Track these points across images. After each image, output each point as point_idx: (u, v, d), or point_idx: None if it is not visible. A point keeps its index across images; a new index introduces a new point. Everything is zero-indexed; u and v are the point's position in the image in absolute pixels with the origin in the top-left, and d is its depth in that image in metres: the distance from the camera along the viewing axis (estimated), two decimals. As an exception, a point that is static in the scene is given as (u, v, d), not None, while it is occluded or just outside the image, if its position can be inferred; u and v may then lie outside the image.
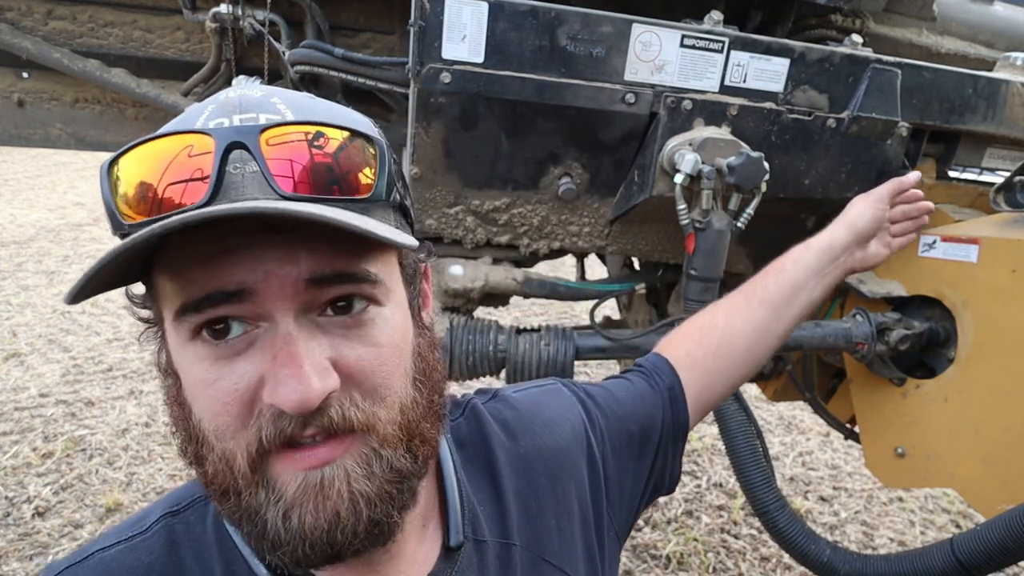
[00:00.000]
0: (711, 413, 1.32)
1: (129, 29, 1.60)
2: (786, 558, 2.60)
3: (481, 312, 1.52)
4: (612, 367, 4.22)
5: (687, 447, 3.57)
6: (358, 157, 0.47)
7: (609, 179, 1.32)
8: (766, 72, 1.24)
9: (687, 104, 1.21)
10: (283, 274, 0.43)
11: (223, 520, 0.54)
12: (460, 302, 1.41)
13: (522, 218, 1.35)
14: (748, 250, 1.52)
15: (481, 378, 1.37)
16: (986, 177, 1.53)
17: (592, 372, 4.26)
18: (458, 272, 1.36)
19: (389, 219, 0.51)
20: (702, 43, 1.20)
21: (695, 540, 2.73)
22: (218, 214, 0.39)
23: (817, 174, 1.34)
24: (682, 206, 1.21)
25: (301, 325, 0.44)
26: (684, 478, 3.19)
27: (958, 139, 1.47)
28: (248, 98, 0.47)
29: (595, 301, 1.48)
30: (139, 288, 0.50)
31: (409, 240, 0.47)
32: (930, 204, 1.12)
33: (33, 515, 2.59)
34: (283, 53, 1.45)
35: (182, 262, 0.43)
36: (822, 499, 3.12)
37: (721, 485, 3.14)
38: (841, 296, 1.68)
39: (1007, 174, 1.31)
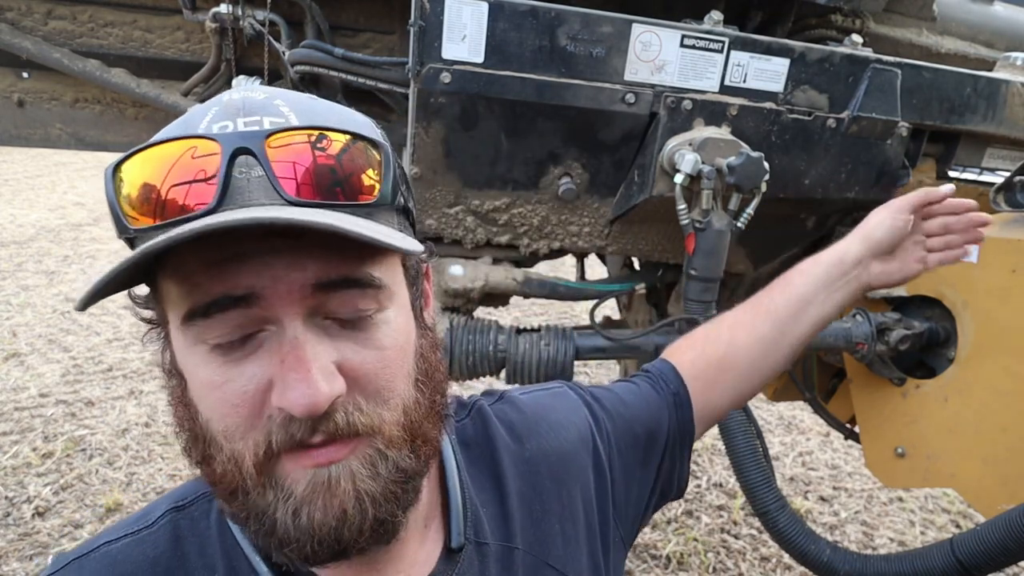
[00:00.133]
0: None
1: (129, 29, 1.60)
2: (786, 558, 2.60)
3: (481, 312, 1.52)
4: (612, 367, 4.22)
5: (687, 447, 3.56)
6: (363, 161, 0.47)
7: (609, 179, 1.32)
8: (766, 72, 1.24)
9: (687, 104, 1.21)
10: (291, 279, 0.44)
11: (226, 517, 0.54)
12: (460, 302, 1.41)
13: (522, 218, 1.35)
14: (748, 250, 1.52)
15: (481, 378, 1.37)
16: (986, 177, 1.53)
17: (592, 372, 4.26)
18: (458, 272, 1.36)
19: (393, 222, 0.51)
20: (702, 43, 1.20)
21: (695, 540, 2.73)
22: (233, 224, 0.39)
23: (817, 174, 1.34)
24: (682, 206, 1.21)
25: (308, 329, 0.44)
26: (684, 478, 3.19)
27: (958, 139, 1.47)
28: (251, 100, 0.47)
29: (595, 301, 1.48)
30: (142, 289, 0.50)
31: (415, 246, 0.48)
32: (985, 216, 0.96)
33: (33, 515, 2.59)
34: (283, 53, 1.45)
35: (188, 267, 0.43)
36: (822, 499, 3.12)
37: (721, 485, 3.14)
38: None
39: (1007, 174, 1.31)
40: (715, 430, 1.37)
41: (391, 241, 0.44)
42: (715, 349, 0.84)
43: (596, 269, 2.24)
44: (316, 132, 0.46)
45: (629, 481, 0.74)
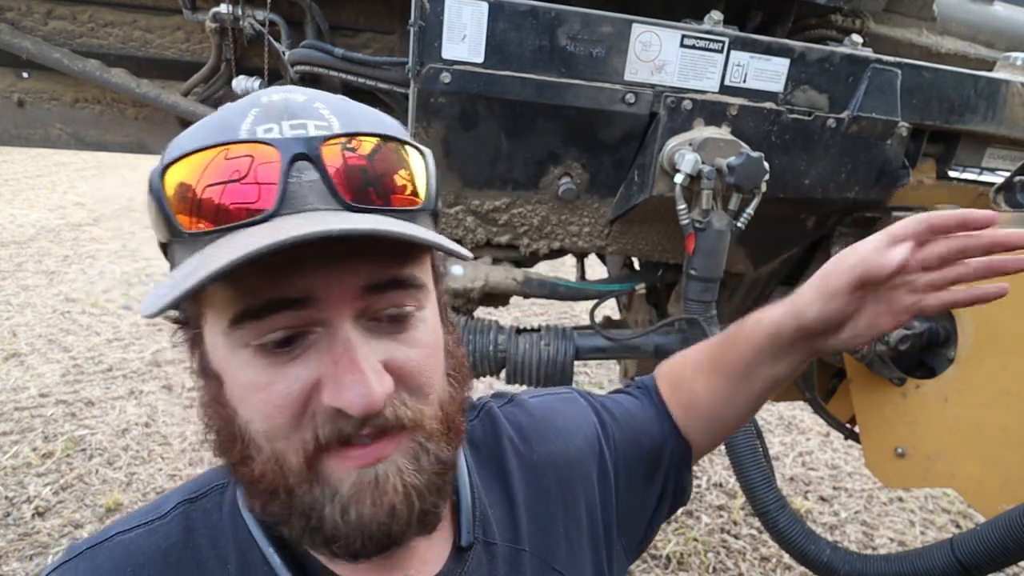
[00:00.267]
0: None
1: (129, 29, 1.60)
2: (786, 558, 2.60)
3: (481, 312, 1.52)
4: (612, 367, 4.22)
5: (687, 447, 3.55)
6: (411, 167, 0.49)
7: (609, 179, 1.32)
8: (766, 72, 1.24)
9: (687, 104, 1.21)
10: (345, 282, 0.44)
11: (240, 509, 0.55)
12: (460, 302, 1.41)
13: (522, 218, 1.35)
14: (748, 250, 1.52)
15: (481, 378, 1.37)
16: (986, 177, 1.53)
17: (592, 372, 4.26)
18: (458, 272, 1.36)
19: (428, 224, 0.52)
20: (702, 43, 1.20)
21: (695, 540, 2.73)
22: (312, 236, 0.39)
23: (817, 174, 1.33)
24: (682, 206, 1.21)
25: (356, 329, 0.45)
26: (684, 478, 3.19)
27: (958, 139, 1.47)
28: (294, 103, 0.47)
29: (595, 301, 1.48)
30: None
31: (464, 251, 0.49)
32: (1018, 236, 0.67)
33: (33, 515, 2.59)
34: (283, 53, 1.45)
35: (242, 270, 0.43)
36: (822, 499, 3.12)
37: (721, 485, 3.14)
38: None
39: (1007, 174, 1.31)
40: (715, 430, 1.36)
41: (451, 246, 0.46)
42: (680, 393, 0.80)
43: (596, 269, 2.24)
44: (370, 139, 0.47)
45: (634, 492, 0.74)
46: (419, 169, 0.49)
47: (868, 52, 1.30)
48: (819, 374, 1.85)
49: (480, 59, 1.14)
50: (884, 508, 3.09)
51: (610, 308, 2.41)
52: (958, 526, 3.01)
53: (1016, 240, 0.67)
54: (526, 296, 1.48)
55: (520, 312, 5.16)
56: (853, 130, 1.30)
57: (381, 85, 1.38)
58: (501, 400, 0.74)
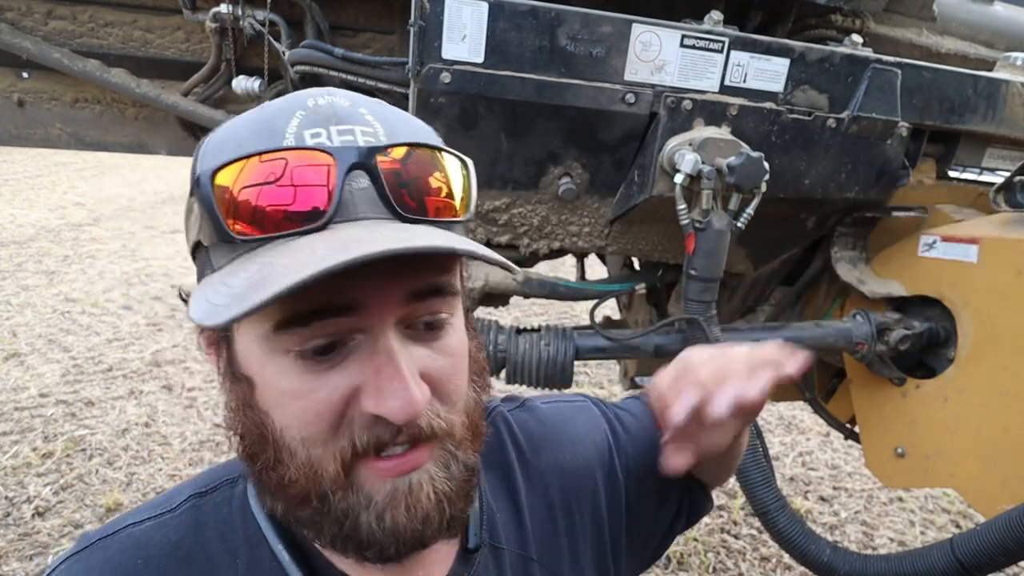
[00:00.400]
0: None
1: (129, 29, 1.60)
2: (786, 558, 2.60)
3: (481, 312, 1.52)
4: (612, 367, 4.22)
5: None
6: (458, 178, 0.50)
7: (609, 179, 1.32)
8: (766, 72, 1.24)
9: (687, 104, 1.21)
10: (391, 290, 0.45)
11: (250, 504, 0.56)
12: (460, 302, 1.41)
13: (522, 218, 1.35)
14: (748, 250, 1.52)
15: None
16: (986, 177, 1.53)
17: (592, 372, 4.26)
18: (458, 272, 1.36)
19: (462, 231, 0.52)
20: (702, 43, 1.20)
21: (695, 540, 2.73)
22: (386, 254, 0.39)
23: (817, 174, 1.33)
24: (682, 206, 1.21)
25: (398, 337, 0.46)
26: (684, 478, 3.19)
27: (958, 139, 1.47)
28: (339, 108, 0.47)
29: (595, 301, 1.48)
30: (190, 290, 0.51)
31: (514, 265, 0.50)
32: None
33: (33, 515, 2.59)
34: (283, 53, 1.45)
35: None
36: (822, 499, 3.12)
37: (721, 485, 3.14)
38: (841, 296, 1.68)
39: (1007, 174, 1.31)
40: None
41: (505, 261, 0.47)
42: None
43: (596, 269, 2.24)
44: (421, 150, 0.48)
45: (645, 506, 0.73)
46: (464, 181, 0.50)
47: (868, 52, 1.30)
48: (819, 374, 1.85)
49: (480, 59, 1.14)
50: (884, 508, 3.09)
51: (610, 308, 2.41)
52: (958, 526, 3.01)
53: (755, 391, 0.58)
54: (526, 296, 1.48)
55: (520, 312, 5.16)
56: (853, 130, 1.30)
57: (381, 85, 1.38)
58: (512, 404, 0.74)
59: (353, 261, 0.38)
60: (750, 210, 1.22)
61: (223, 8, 1.48)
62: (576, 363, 1.37)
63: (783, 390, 2.02)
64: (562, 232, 1.39)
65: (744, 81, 1.23)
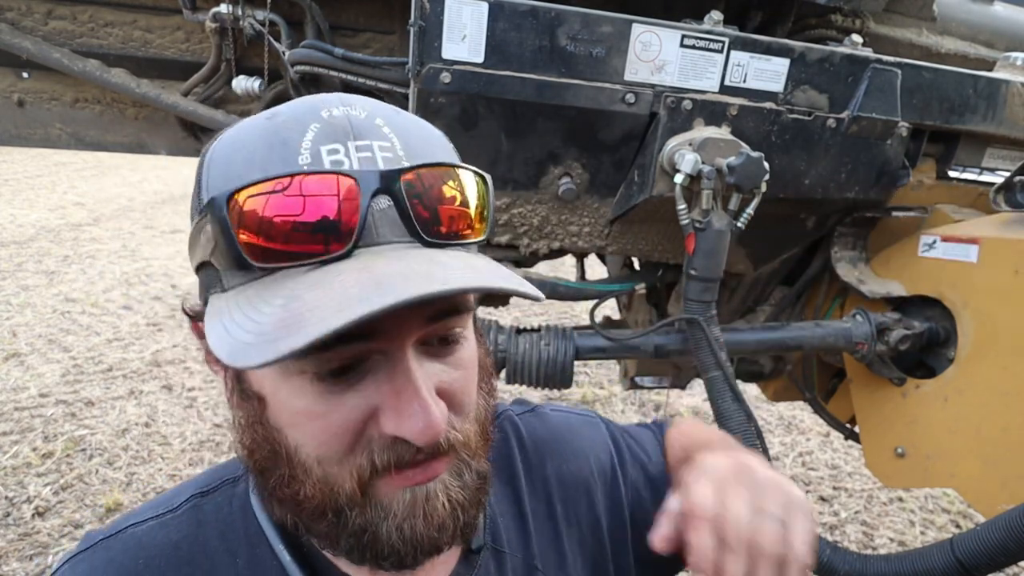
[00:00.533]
0: (712, 412, 1.32)
1: (129, 29, 1.60)
2: (786, 558, 2.59)
3: (481, 312, 1.52)
4: (612, 367, 4.22)
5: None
6: (479, 198, 0.49)
7: (609, 179, 1.32)
8: (766, 72, 1.24)
9: (687, 104, 1.21)
10: (412, 316, 0.44)
11: (251, 505, 0.56)
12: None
13: (522, 218, 1.35)
14: (748, 250, 1.52)
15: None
16: (986, 177, 1.53)
17: (592, 372, 4.26)
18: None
19: (475, 250, 0.52)
20: (702, 43, 1.20)
21: (695, 540, 2.72)
22: (420, 298, 0.38)
23: (817, 174, 1.33)
24: (682, 206, 1.21)
25: (416, 357, 0.45)
26: (684, 478, 3.19)
27: (958, 139, 1.47)
28: (355, 120, 0.46)
29: (595, 301, 1.48)
30: (196, 306, 0.50)
31: (540, 293, 0.48)
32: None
33: (33, 515, 2.59)
34: (283, 53, 1.45)
35: None
36: (822, 499, 3.12)
37: (721, 485, 3.14)
38: (841, 296, 1.68)
39: (1007, 174, 1.31)
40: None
41: (533, 292, 0.45)
42: None
43: (596, 269, 2.24)
44: (441, 170, 0.47)
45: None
46: (483, 198, 0.49)
47: (868, 52, 1.30)
48: (819, 374, 1.85)
49: (480, 59, 1.14)
50: (884, 508, 3.09)
51: (610, 308, 2.41)
52: (958, 526, 3.01)
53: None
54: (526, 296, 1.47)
55: (520, 312, 5.16)
56: (853, 130, 1.30)
57: (381, 85, 1.38)
58: (521, 407, 0.74)
59: (394, 306, 0.37)
60: (750, 210, 1.22)
61: (223, 8, 1.48)
62: (576, 363, 1.37)
63: (783, 390, 2.02)
64: (562, 232, 1.39)
65: (744, 81, 1.23)
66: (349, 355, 0.44)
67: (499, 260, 1.43)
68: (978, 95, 1.39)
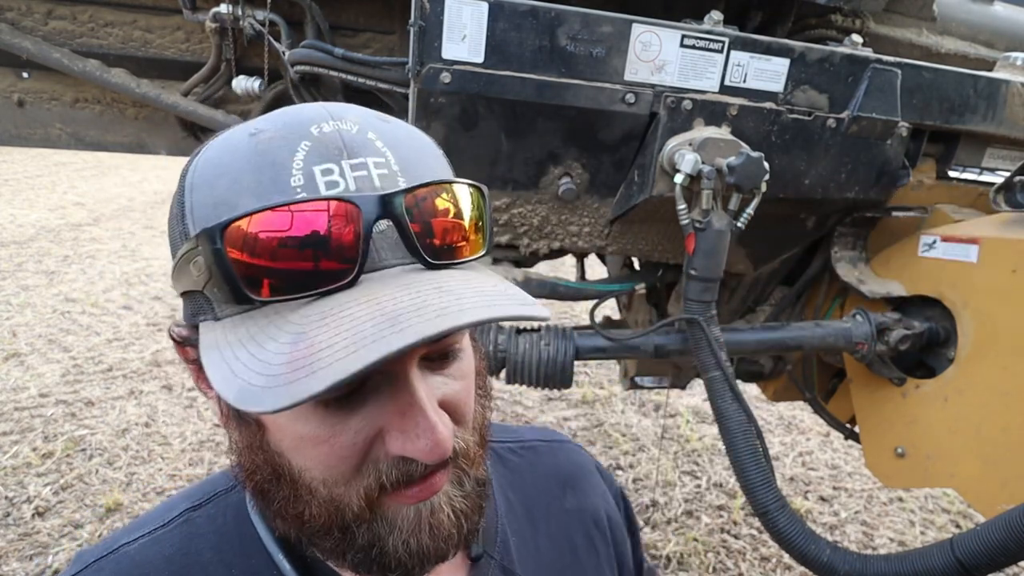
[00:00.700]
0: (711, 412, 1.32)
1: (129, 29, 1.60)
2: (786, 558, 2.60)
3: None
4: (612, 367, 4.22)
5: (688, 446, 3.56)
6: (477, 214, 0.48)
7: (609, 179, 1.32)
8: (766, 72, 1.24)
9: (687, 104, 1.21)
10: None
11: (247, 515, 0.56)
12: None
13: (522, 218, 1.35)
14: (748, 250, 1.52)
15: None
16: (986, 177, 1.53)
17: (592, 372, 4.26)
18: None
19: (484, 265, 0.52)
20: (702, 43, 1.20)
21: (695, 540, 2.73)
22: (440, 334, 0.37)
23: (817, 174, 1.33)
24: (682, 206, 1.21)
25: (418, 377, 0.45)
26: (684, 478, 3.19)
27: (958, 139, 1.47)
28: (347, 136, 0.44)
29: (595, 301, 1.48)
30: (183, 331, 0.49)
31: (546, 311, 0.47)
32: None
33: (33, 515, 2.59)
34: (283, 53, 1.45)
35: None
36: (822, 499, 3.12)
37: (721, 485, 3.14)
38: (841, 296, 1.68)
39: (1007, 174, 1.31)
40: (715, 429, 1.37)
41: (540, 312, 0.44)
42: None
43: (596, 269, 2.24)
44: (437, 188, 0.45)
45: None
46: (481, 213, 0.49)
47: (868, 52, 1.30)
48: (819, 374, 1.85)
49: (480, 59, 1.14)
50: (884, 508, 3.09)
51: (610, 308, 2.41)
52: (958, 526, 3.01)
53: None
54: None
55: (520, 312, 5.15)
56: (853, 130, 1.30)
57: (381, 85, 1.38)
58: (558, 438, 0.77)
59: (412, 346, 0.36)
60: (750, 210, 1.22)
61: (223, 8, 1.48)
62: (576, 363, 1.37)
63: (783, 390, 2.02)
64: (562, 232, 1.39)
65: (744, 81, 1.23)
66: (352, 380, 0.44)
67: (499, 260, 1.43)
68: (978, 95, 1.39)
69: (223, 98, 1.66)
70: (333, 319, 0.39)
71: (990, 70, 1.50)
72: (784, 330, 1.47)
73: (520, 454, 0.72)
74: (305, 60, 1.39)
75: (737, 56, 1.22)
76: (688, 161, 1.16)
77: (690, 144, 1.19)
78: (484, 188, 0.50)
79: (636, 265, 1.82)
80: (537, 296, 1.47)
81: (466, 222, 0.47)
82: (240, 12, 1.48)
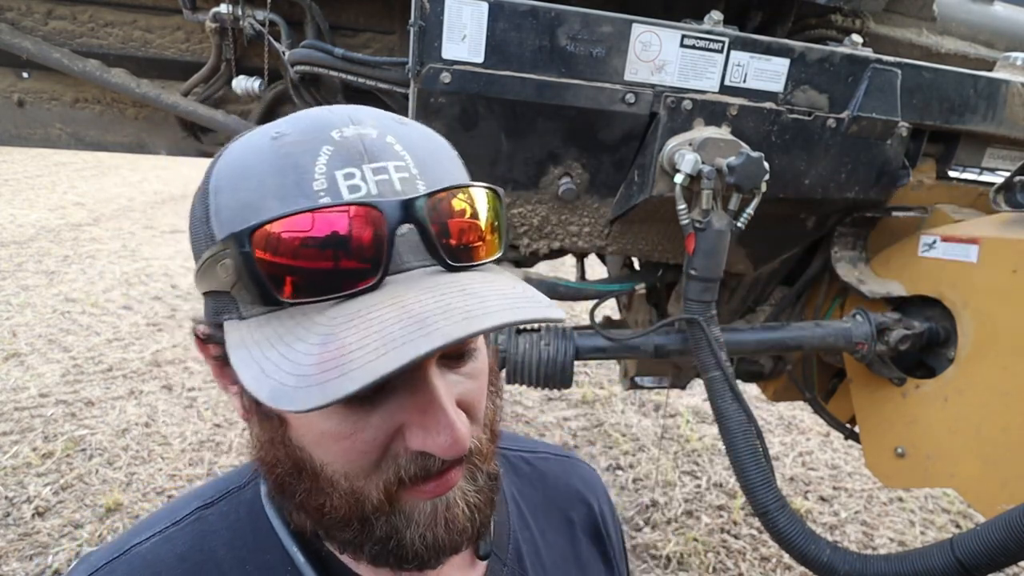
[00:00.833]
0: (711, 412, 1.32)
1: (129, 29, 1.60)
2: (786, 558, 2.60)
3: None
4: (612, 367, 4.22)
5: (688, 446, 3.56)
6: (495, 216, 0.50)
7: (609, 179, 1.32)
8: (766, 72, 1.24)
9: (687, 104, 1.21)
10: None
11: (263, 511, 0.57)
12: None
13: (522, 218, 1.35)
14: (748, 250, 1.52)
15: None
16: (986, 177, 1.53)
17: (592, 372, 4.26)
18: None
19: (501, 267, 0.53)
20: (702, 43, 1.20)
21: (695, 540, 2.73)
22: (466, 336, 0.38)
23: (817, 174, 1.34)
24: (682, 206, 1.21)
25: (437, 375, 0.46)
26: (684, 478, 3.19)
27: (958, 139, 1.47)
28: (368, 140, 0.45)
29: (595, 301, 1.48)
30: (206, 328, 0.49)
31: (561, 313, 0.48)
32: None
33: (33, 515, 2.59)
34: (283, 53, 1.45)
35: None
36: (822, 499, 3.12)
37: (721, 485, 3.14)
38: (841, 296, 1.68)
39: (1007, 174, 1.31)
40: (715, 429, 1.37)
41: (555, 315, 0.45)
42: None
43: (596, 269, 2.24)
44: (457, 192, 0.47)
45: None
46: (498, 215, 0.50)
47: (868, 52, 1.30)
48: (819, 374, 1.85)
49: (480, 59, 1.14)
50: (884, 508, 3.09)
51: (610, 308, 2.41)
52: (958, 526, 3.01)
53: None
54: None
55: (520, 312, 5.15)
56: (853, 130, 1.30)
57: (381, 85, 1.38)
58: (573, 455, 0.79)
59: (440, 348, 0.37)
60: (750, 210, 1.22)
61: (223, 8, 1.48)
62: (576, 363, 1.37)
63: (783, 390, 2.02)
64: (562, 232, 1.39)
65: (744, 81, 1.23)
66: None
67: (499, 260, 1.43)
68: (978, 95, 1.39)
69: (223, 98, 1.66)
70: (361, 321, 0.40)
71: (990, 70, 1.50)
72: (784, 330, 1.47)
73: (532, 463, 0.73)
74: (305, 60, 1.39)
75: (737, 56, 1.22)
76: (688, 161, 1.16)
77: (690, 144, 1.19)
78: (500, 191, 0.51)
79: (636, 265, 1.82)
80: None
81: (483, 223, 0.48)
82: (240, 12, 1.48)
